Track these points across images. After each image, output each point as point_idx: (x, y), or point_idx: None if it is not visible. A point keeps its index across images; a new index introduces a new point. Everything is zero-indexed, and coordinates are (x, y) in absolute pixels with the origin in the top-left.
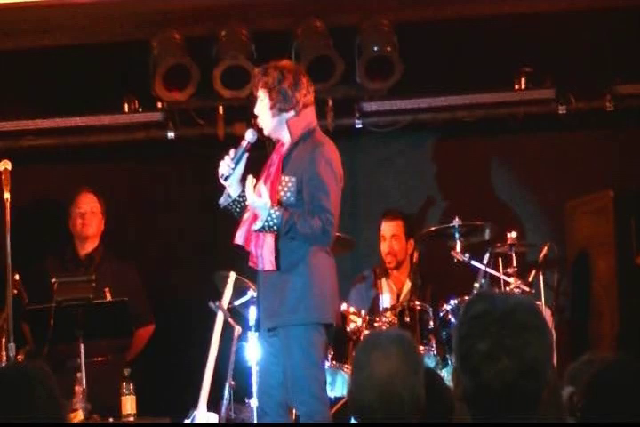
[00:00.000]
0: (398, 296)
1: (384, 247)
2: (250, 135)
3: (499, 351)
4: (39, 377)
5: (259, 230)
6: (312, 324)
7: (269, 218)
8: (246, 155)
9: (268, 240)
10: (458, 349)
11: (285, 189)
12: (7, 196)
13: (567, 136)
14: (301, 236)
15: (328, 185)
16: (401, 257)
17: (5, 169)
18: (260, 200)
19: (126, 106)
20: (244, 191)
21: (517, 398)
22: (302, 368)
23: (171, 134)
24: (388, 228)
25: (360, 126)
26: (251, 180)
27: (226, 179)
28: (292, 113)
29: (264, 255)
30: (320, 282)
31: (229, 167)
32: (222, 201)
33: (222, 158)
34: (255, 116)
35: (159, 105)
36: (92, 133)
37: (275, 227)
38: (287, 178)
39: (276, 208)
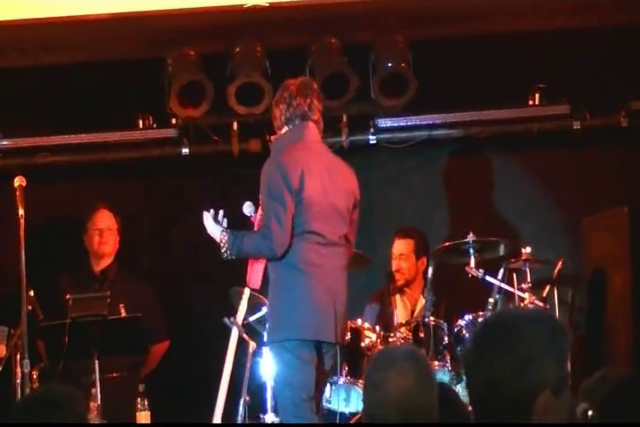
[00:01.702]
0: (412, 312)
1: (393, 265)
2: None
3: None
4: (68, 403)
5: (225, 258)
6: (288, 340)
7: (222, 244)
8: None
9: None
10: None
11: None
12: (21, 212)
13: (582, 152)
14: (250, 254)
15: (269, 199)
16: (409, 276)
17: (20, 185)
18: (210, 228)
19: (140, 122)
20: None
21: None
22: (280, 385)
23: (185, 151)
24: (398, 246)
25: (374, 142)
26: (205, 214)
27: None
28: (281, 130)
29: (251, 275)
30: (293, 300)
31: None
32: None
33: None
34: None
35: (173, 121)
36: (106, 150)
37: (228, 251)
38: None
39: (225, 233)
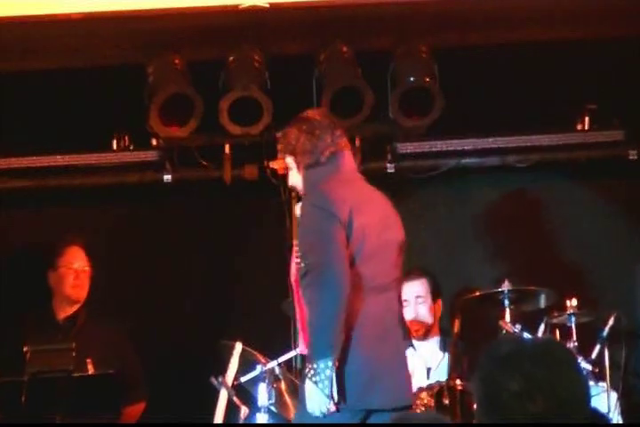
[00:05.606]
0: (428, 371)
1: (408, 313)
2: None
3: (532, 390)
4: None
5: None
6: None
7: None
8: None
9: None
10: (484, 391)
11: (297, 256)
12: None
13: (638, 185)
14: (324, 326)
15: (316, 241)
16: (429, 322)
17: None
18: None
19: (115, 143)
20: None
21: None
22: None
23: (167, 177)
24: (411, 289)
25: (392, 171)
26: None
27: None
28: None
29: None
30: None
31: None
32: None
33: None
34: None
35: (154, 142)
36: (74, 175)
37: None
38: (295, 243)
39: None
